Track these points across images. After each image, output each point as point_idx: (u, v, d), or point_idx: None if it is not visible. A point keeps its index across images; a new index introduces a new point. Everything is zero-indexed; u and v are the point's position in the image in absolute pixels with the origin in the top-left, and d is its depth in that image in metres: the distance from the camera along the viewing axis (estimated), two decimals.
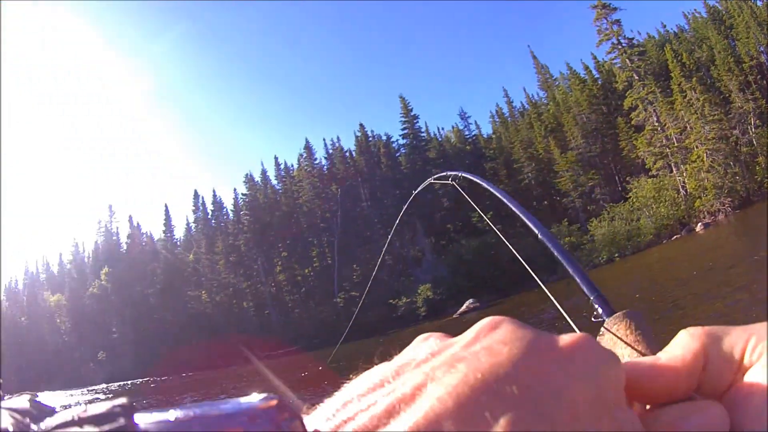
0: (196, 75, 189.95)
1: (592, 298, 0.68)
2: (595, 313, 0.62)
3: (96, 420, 0.20)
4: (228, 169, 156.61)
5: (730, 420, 0.30)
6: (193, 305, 55.36)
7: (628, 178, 43.69)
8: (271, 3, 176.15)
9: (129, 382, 46.37)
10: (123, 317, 56.89)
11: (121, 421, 0.21)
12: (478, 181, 1.44)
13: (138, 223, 58.38)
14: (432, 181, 2.44)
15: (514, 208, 1.06)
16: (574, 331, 0.36)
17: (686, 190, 37.50)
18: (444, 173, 2.13)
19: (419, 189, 2.85)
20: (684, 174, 37.75)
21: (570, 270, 0.78)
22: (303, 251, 54.62)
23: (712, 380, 0.33)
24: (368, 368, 0.29)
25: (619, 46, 42.19)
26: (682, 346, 0.34)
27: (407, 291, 50.20)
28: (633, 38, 43.93)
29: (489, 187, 1.32)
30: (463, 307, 38.68)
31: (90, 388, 44.79)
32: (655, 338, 0.53)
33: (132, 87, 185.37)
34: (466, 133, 61.47)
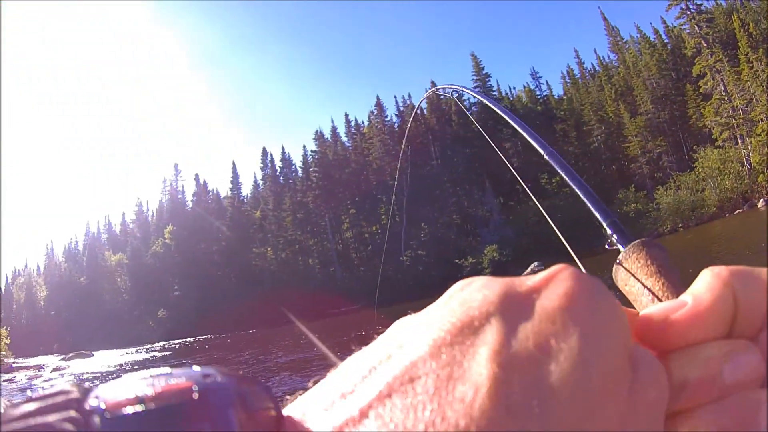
0: (267, 31, 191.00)
1: (605, 223, 0.64)
2: (609, 240, 0.57)
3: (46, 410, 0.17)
4: (297, 126, 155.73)
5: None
6: (258, 262, 54.57)
7: (695, 147, 41.87)
8: None
9: (188, 339, 45.17)
10: (185, 275, 56.39)
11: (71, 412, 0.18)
12: (479, 96, 1.36)
13: (204, 181, 57.84)
14: (433, 91, 2.49)
15: (515, 125, 1.10)
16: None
17: (750, 164, 35.47)
18: (449, 85, 1.97)
19: (422, 100, 1.64)
20: (749, 147, 35.53)
21: (579, 193, 0.73)
22: (371, 209, 53.55)
23: (742, 328, 0.28)
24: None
25: (688, 12, 40.29)
26: (710, 288, 0.29)
27: (473, 251, 48.86)
28: (701, 4, 41.76)
29: (489, 103, 1.27)
30: (528, 269, 38.19)
31: (148, 347, 44.08)
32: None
33: (199, 44, 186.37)
34: (538, 93, 59.88)
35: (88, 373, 26.76)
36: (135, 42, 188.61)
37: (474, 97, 1.55)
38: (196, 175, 58.45)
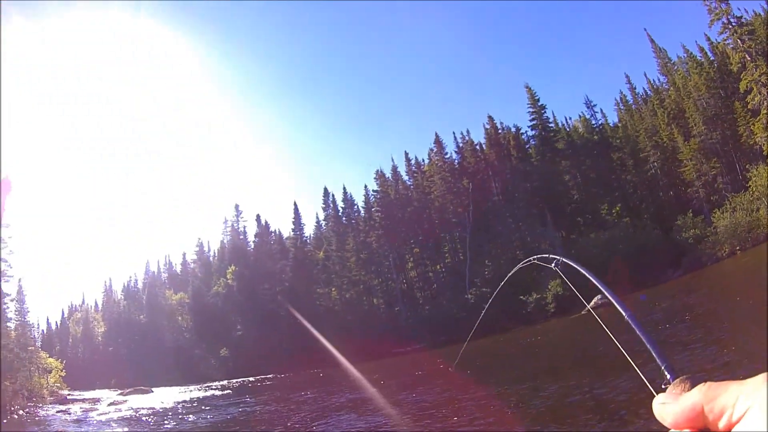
0: (326, 71, 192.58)
1: (663, 367, 0.81)
2: (665, 380, 0.75)
3: None
4: (358, 166, 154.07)
5: None
6: (322, 302, 54.67)
7: (747, 166, 41.35)
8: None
9: (250, 378, 45.68)
10: (247, 315, 56.91)
11: None
12: (577, 267, 1.54)
13: (266, 222, 58.35)
14: (534, 260, 2.48)
15: (606, 293, 1.35)
16: None
17: None
18: (547, 255, 2.12)
19: (517, 267, 3.02)
20: None
21: (648, 345, 0.92)
22: (434, 247, 53.37)
23: (712, 424, 0.50)
24: None
25: (730, 26, 39.48)
26: (690, 396, 0.53)
27: (537, 286, 48.31)
28: (741, 16, 41.08)
29: (587, 274, 1.46)
30: (591, 302, 38.12)
31: (209, 384, 44.32)
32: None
33: (258, 83, 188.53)
34: (593, 122, 59.20)
35: (145, 408, 27.07)
36: (191, 77, 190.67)
37: (583, 272, 1.64)
38: (258, 216, 59.16)
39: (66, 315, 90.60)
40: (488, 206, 54.77)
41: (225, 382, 45.34)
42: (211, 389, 38.26)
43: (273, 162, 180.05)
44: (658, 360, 0.83)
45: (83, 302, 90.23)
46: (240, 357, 55.78)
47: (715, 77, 48.02)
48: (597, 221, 52.69)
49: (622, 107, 64.24)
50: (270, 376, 45.29)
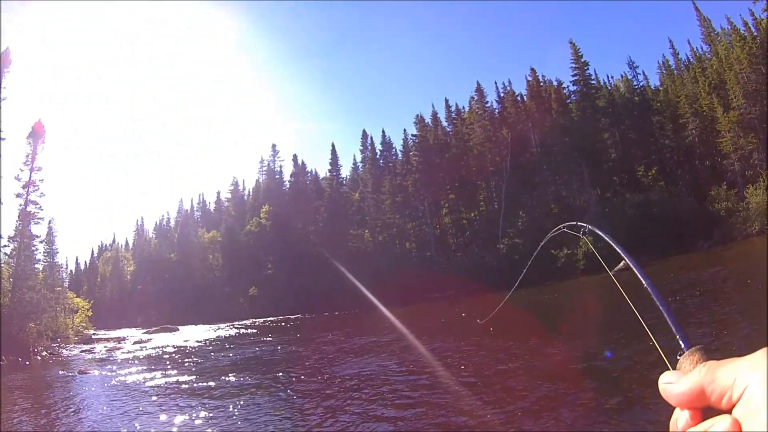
0: (369, 20, 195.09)
1: (678, 336, 0.83)
2: (679, 351, 0.76)
3: None
4: (398, 111, 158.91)
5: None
6: (355, 243, 55.08)
7: None
8: None
9: (278, 317, 46.08)
10: (280, 254, 57.60)
11: None
12: (604, 236, 1.46)
13: (303, 161, 58.99)
14: (563, 229, 2.19)
15: (628, 261, 1.23)
16: None
17: None
18: (575, 223, 1.94)
19: (547, 238, 2.44)
20: None
21: (661, 307, 0.92)
22: (470, 195, 53.74)
23: (714, 404, 0.52)
24: None
25: None
26: (691, 378, 0.56)
27: (569, 242, 48.12)
28: None
29: (612, 243, 1.37)
30: (621, 264, 38.30)
31: (236, 323, 44.95)
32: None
33: (303, 30, 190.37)
34: (635, 83, 58.52)
35: (170, 346, 27.45)
36: (240, 28, 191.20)
37: (608, 240, 1.51)
38: (295, 156, 59.86)
39: (96, 254, 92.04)
40: (526, 157, 54.79)
41: (252, 321, 45.69)
42: (238, 328, 38.78)
43: (313, 104, 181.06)
44: (673, 329, 0.86)
45: (114, 241, 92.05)
46: (269, 296, 56.54)
47: (757, 53, 47.68)
48: (633, 182, 52.63)
49: (664, 71, 63.99)
50: (298, 316, 45.93)
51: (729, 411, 0.50)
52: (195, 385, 12.55)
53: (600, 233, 1.64)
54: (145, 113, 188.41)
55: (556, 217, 54.48)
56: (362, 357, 14.20)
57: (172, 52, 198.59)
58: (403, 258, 54.10)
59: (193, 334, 34.87)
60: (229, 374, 13.59)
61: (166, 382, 13.45)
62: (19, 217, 38.49)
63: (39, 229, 41.08)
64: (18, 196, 38.07)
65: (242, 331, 34.57)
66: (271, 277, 58.79)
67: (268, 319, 46.44)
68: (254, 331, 33.64)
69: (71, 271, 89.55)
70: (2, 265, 36.31)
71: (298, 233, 57.12)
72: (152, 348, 27.62)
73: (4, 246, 36.82)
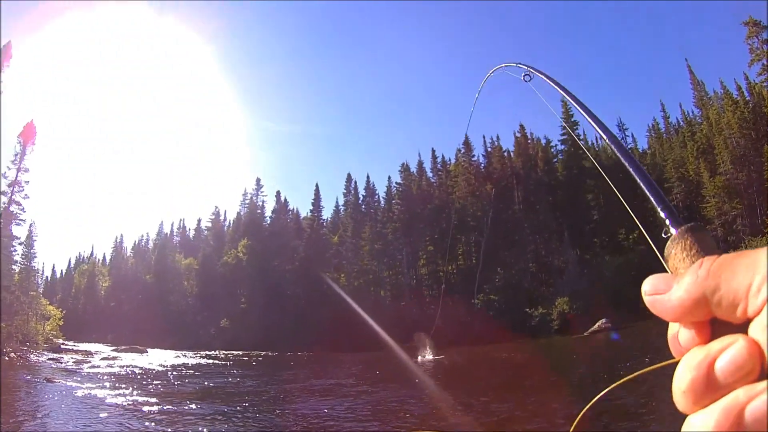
0: (362, 61, 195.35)
1: (660, 209, 0.70)
2: (665, 229, 0.64)
3: None
4: (384, 156, 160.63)
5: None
6: (329, 287, 54.42)
7: None
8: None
9: (247, 351, 45.74)
10: (254, 289, 57.35)
11: None
12: (550, 82, 1.34)
13: (285, 199, 58.48)
14: (501, 67, 2.10)
15: (579, 109, 1.10)
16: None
17: None
18: (515, 64, 1.88)
19: (485, 80, 2.53)
20: None
21: (641, 182, 0.78)
22: (449, 247, 52.77)
23: (727, 306, 0.38)
24: None
25: None
26: (688, 284, 0.41)
27: (545, 301, 48.25)
28: None
29: (560, 90, 1.25)
30: (595, 326, 37.87)
31: (205, 353, 44.53)
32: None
33: (293, 64, 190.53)
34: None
35: (136, 367, 27.43)
36: (229, 52, 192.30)
37: (546, 80, 1.36)
38: (278, 192, 59.82)
39: (72, 265, 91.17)
40: (508, 214, 54.56)
41: (221, 352, 46.18)
42: (205, 357, 38.81)
43: (299, 143, 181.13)
44: (653, 201, 0.72)
45: (92, 254, 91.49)
46: (240, 330, 56.30)
47: (748, 117, 48.16)
48: (613, 244, 52.84)
49: (653, 134, 64.27)
50: (265, 352, 45.66)
51: (743, 324, 0.38)
52: (156, 408, 12.99)
53: (542, 76, 1.49)
54: (135, 132, 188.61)
55: (533, 276, 54.40)
56: (320, 398, 14.93)
57: (161, 75, 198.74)
58: (377, 305, 53.68)
59: (161, 358, 34.75)
60: (190, 402, 14.02)
61: (128, 402, 13.93)
62: (0, 215, 37.91)
63: (20, 231, 40.78)
64: (2, 193, 37.60)
65: (210, 360, 34.79)
66: (244, 311, 58.43)
67: (237, 352, 46.01)
68: (221, 362, 33.70)
69: (47, 277, 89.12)
70: None
71: (274, 270, 56.63)
72: (119, 366, 28.11)
73: None
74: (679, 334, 0.44)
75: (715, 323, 0.41)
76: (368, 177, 57.55)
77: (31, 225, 44.97)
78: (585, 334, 36.92)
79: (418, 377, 19.54)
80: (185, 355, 40.44)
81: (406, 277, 54.49)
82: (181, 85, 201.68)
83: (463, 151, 55.42)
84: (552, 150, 57.34)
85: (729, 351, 0.36)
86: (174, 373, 24.28)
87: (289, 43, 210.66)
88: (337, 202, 60.92)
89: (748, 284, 0.36)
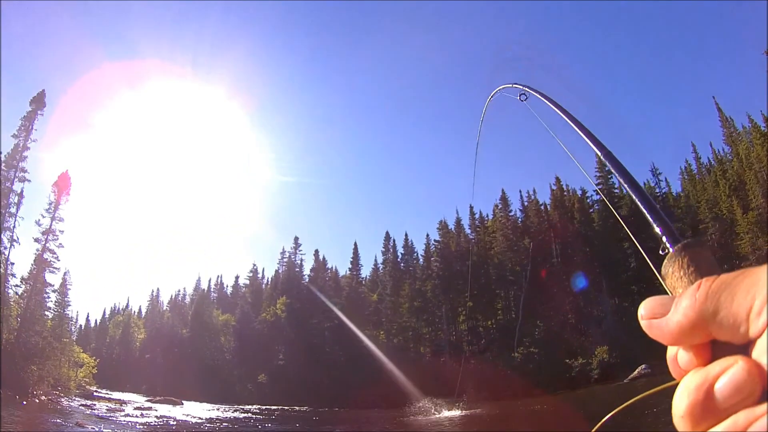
0: (400, 119, 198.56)
1: (655, 224, 0.68)
2: (661, 246, 0.62)
3: None
4: (422, 213, 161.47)
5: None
6: (366, 345, 54.64)
7: None
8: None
9: (283, 407, 46.02)
10: (292, 346, 57.75)
11: None
12: (540, 97, 1.32)
13: (324, 257, 58.71)
14: (499, 89, 2.08)
15: (573, 126, 1.12)
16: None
17: None
18: (511, 85, 1.86)
19: (486, 103, 2.60)
20: None
21: (636, 198, 0.77)
22: (488, 302, 52.95)
23: (727, 328, 0.37)
24: None
25: None
26: (686, 307, 0.39)
27: (584, 351, 47.89)
28: None
29: (551, 105, 1.22)
30: (635, 372, 38.15)
31: (241, 407, 44.50)
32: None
33: (331, 123, 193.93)
34: (657, 190, 58.16)
35: (171, 418, 27.27)
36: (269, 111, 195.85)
37: (541, 98, 1.35)
38: (316, 251, 60.20)
39: (107, 315, 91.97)
40: (547, 267, 54.40)
41: (258, 407, 46.59)
42: (242, 411, 39.10)
43: (337, 201, 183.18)
44: (649, 219, 0.70)
45: (127, 306, 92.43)
46: (277, 385, 56.49)
47: None
48: (651, 291, 50.37)
49: (686, 176, 63.90)
50: (303, 408, 45.87)
51: (744, 345, 0.37)
52: None
53: (536, 93, 1.45)
54: (176, 188, 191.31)
55: (572, 327, 54.13)
56: None
57: (203, 132, 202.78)
58: (417, 362, 53.69)
59: (196, 410, 34.99)
60: None
61: None
62: (34, 261, 38.49)
63: (53, 278, 41.54)
64: (36, 240, 38.31)
65: (246, 414, 35.45)
66: (282, 368, 58.64)
67: (274, 407, 46.20)
68: (257, 416, 34.24)
69: (81, 326, 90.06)
70: (11, 303, 36.19)
71: (313, 328, 56.83)
72: (153, 416, 28.47)
73: (16, 286, 36.95)
74: (678, 355, 0.43)
75: (716, 344, 0.40)
76: (406, 235, 58.30)
77: (65, 273, 45.86)
78: (625, 381, 37.17)
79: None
80: (221, 409, 40.68)
81: (445, 333, 54.53)
82: (221, 144, 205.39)
83: (500, 206, 55.67)
84: (588, 200, 57.32)
85: (728, 373, 0.35)
86: (209, 425, 24.42)
87: (326, 102, 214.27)
88: (375, 260, 61.76)
89: (749, 306, 0.35)
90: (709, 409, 0.36)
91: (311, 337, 56.90)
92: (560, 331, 53.57)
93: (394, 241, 59.71)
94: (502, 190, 55.79)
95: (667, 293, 0.52)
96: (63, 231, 39.16)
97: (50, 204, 39.06)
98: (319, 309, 57.04)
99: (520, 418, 25.55)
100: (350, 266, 59.96)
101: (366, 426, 24.84)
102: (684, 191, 62.23)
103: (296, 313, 57.51)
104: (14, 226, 36.17)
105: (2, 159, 36.50)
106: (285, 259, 62.16)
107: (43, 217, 38.44)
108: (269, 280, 68.80)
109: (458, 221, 57.92)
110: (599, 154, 0.95)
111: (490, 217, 58.06)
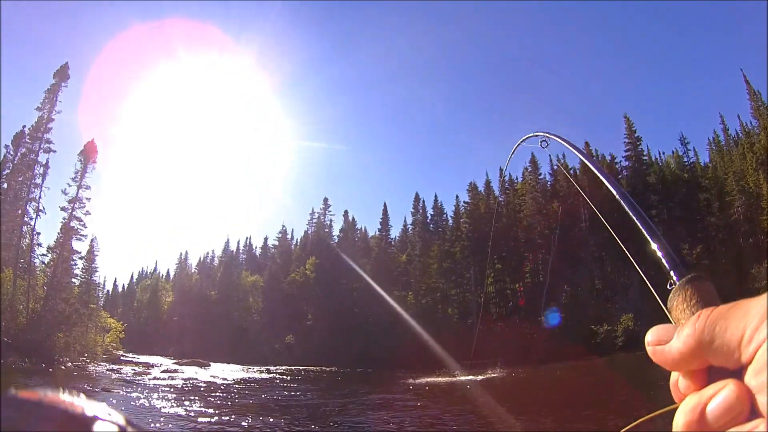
0: (433, 83, 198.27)
1: (664, 261, 0.72)
2: (669, 281, 0.66)
3: None
4: (451, 175, 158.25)
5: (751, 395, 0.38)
6: (397, 305, 54.98)
7: None
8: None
9: (311, 367, 46.45)
10: (320, 307, 58.15)
11: None
12: (560, 141, 1.38)
13: (353, 218, 59.22)
14: (522, 141, 2.16)
15: (602, 178, 1.14)
16: None
17: None
18: (532, 134, 1.96)
19: (510, 155, 2.67)
20: None
21: (647, 235, 0.80)
22: (516, 266, 52.89)
23: (722, 355, 0.42)
24: None
25: None
26: (686, 336, 0.44)
27: (609, 318, 47.96)
28: None
29: (571, 148, 1.30)
30: None
31: (269, 367, 44.91)
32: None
33: (360, 83, 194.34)
34: (685, 159, 57.90)
35: (198, 379, 27.69)
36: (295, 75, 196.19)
37: (562, 142, 1.43)
38: (346, 212, 60.59)
39: (135, 280, 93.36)
40: (575, 232, 54.47)
41: (286, 368, 47.25)
42: (270, 372, 39.35)
43: (367, 161, 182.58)
44: (659, 253, 0.74)
45: (155, 269, 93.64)
46: (305, 346, 57.17)
47: None
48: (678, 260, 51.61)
49: (714, 147, 63.41)
50: (332, 368, 46.15)
51: (737, 370, 0.42)
52: (217, 419, 13.25)
53: (556, 138, 1.58)
54: (204, 151, 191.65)
55: (599, 293, 54.26)
56: (372, 411, 15.67)
57: (232, 95, 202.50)
58: (444, 323, 54.06)
59: (223, 372, 35.38)
60: (250, 414, 14.35)
61: (188, 413, 14.09)
62: (61, 230, 39.18)
63: (80, 246, 42.20)
64: (63, 209, 39.11)
65: (274, 375, 35.88)
66: (310, 328, 59.40)
67: (302, 367, 46.95)
68: (286, 376, 34.54)
69: (108, 291, 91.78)
70: (38, 272, 36.98)
71: (341, 288, 57.42)
72: (181, 378, 28.67)
73: (42, 255, 37.71)
74: (678, 381, 0.48)
75: (712, 370, 0.45)
76: (436, 196, 58.49)
77: (92, 240, 46.68)
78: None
79: (474, 395, 20.17)
80: (249, 370, 41.17)
81: (473, 295, 54.82)
82: (251, 108, 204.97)
83: (530, 169, 55.84)
84: (617, 167, 57.14)
85: (719, 395, 0.40)
86: (237, 386, 24.63)
87: (355, 69, 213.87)
88: (405, 221, 62.20)
89: (741, 335, 0.40)
90: (702, 427, 0.41)
91: (339, 298, 57.93)
92: (587, 298, 53.76)
93: (423, 202, 60.51)
94: (532, 153, 55.70)
95: (671, 322, 0.57)
96: (90, 198, 39.87)
97: (76, 173, 39.65)
98: (347, 270, 57.75)
99: (542, 383, 26.02)
100: (379, 227, 60.81)
101: (391, 387, 25.12)
102: (712, 162, 61.82)
103: (325, 274, 58.23)
104: (40, 197, 37.12)
105: (26, 132, 37.57)
106: (314, 220, 63.25)
107: (69, 186, 39.08)
108: (298, 241, 69.54)
109: (488, 183, 58.38)
110: (615, 193, 1.02)
111: (520, 179, 58.23)
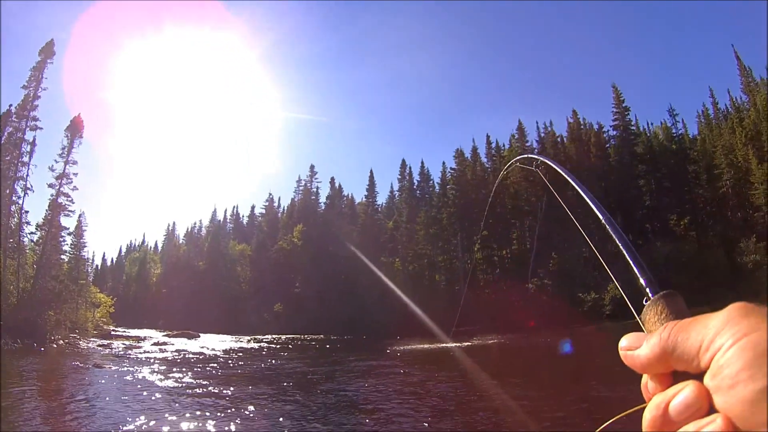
0: (416, 46, 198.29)
1: (641, 277, 0.78)
2: (645, 297, 0.72)
3: None
4: (438, 142, 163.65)
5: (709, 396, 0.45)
6: (384, 272, 54.87)
7: None
8: None
9: (300, 336, 46.70)
10: (308, 274, 57.58)
11: None
12: (555, 167, 1.38)
13: (340, 185, 59.08)
14: (515, 162, 2.18)
15: (590, 203, 1.12)
16: None
17: None
18: (528, 156, 1.92)
19: (503, 171, 2.62)
20: None
21: (626, 254, 0.86)
22: (503, 232, 52.98)
23: (684, 362, 0.48)
24: None
25: None
26: (653, 344, 0.52)
27: (597, 286, 47.98)
28: None
29: (563, 173, 1.28)
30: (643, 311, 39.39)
31: (258, 336, 44.96)
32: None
33: (347, 59, 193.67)
34: (674, 131, 57.94)
35: (188, 351, 27.84)
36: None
37: (553, 165, 1.43)
38: (332, 178, 60.63)
39: (123, 253, 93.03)
40: (562, 199, 54.29)
41: (274, 336, 47.51)
42: (259, 341, 39.74)
43: (354, 129, 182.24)
44: (636, 271, 0.81)
45: (143, 242, 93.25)
46: (294, 314, 57.10)
47: None
48: (664, 231, 52.90)
49: (703, 120, 63.56)
50: (320, 336, 46.05)
51: (698, 375, 0.47)
52: (205, 389, 13.43)
53: (551, 164, 1.57)
54: (189, 121, 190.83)
55: (586, 261, 54.27)
56: (364, 379, 15.89)
57: (217, 66, 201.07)
58: (432, 289, 54.06)
59: (213, 342, 35.47)
60: (241, 383, 14.56)
61: (178, 385, 14.31)
62: (49, 207, 38.85)
63: (68, 222, 41.82)
64: (50, 186, 38.89)
65: (262, 344, 35.98)
66: (298, 296, 59.36)
67: (290, 336, 46.83)
68: (274, 345, 34.85)
69: (97, 266, 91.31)
70: (27, 251, 36.63)
71: (329, 255, 57.23)
72: (171, 351, 28.74)
73: (31, 233, 37.36)
74: (648, 383, 0.54)
75: (676, 374, 0.51)
76: (422, 163, 58.43)
77: (80, 216, 46.21)
78: (636, 320, 37.33)
79: (458, 361, 21.01)
80: (238, 340, 41.17)
81: (460, 261, 54.80)
82: (237, 76, 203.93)
83: (517, 136, 55.67)
84: (604, 135, 57.11)
85: (681, 394, 0.47)
86: (226, 356, 24.76)
87: (342, 39, 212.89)
88: (392, 187, 62.04)
89: (699, 345, 0.46)
90: (665, 423, 0.48)
91: (327, 265, 57.93)
92: (575, 265, 53.77)
93: (410, 168, 60.47)
94: (519, 120, 55.80)
95: (644, 331, 0.64)
96: (77, 174, 39.53)
97: (63, 149, 39.28)
98: (335, 237, 57.70)
99: (529, 350, 26.58)
100: (366, 194, 60.95)
101: (378, 355, 25.22)
102: (700, 135, 61.83)
103: (312, 242, 58.13)
104: (27, 175, 36.73)
105: (12, 111, 37.06)
106: (301, 188, 63.07)
107: (56, 162, 38.76)
108: (285, 208, 69.42)
109: (474, 150, 58.39)
110: (602, 218, 1.03)
111: (507, 147, 58.18)
